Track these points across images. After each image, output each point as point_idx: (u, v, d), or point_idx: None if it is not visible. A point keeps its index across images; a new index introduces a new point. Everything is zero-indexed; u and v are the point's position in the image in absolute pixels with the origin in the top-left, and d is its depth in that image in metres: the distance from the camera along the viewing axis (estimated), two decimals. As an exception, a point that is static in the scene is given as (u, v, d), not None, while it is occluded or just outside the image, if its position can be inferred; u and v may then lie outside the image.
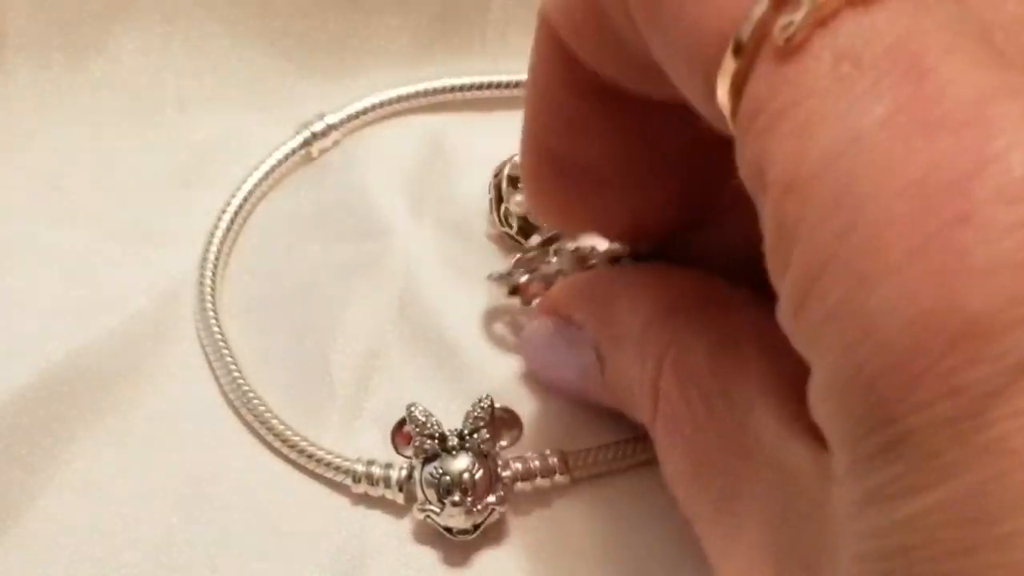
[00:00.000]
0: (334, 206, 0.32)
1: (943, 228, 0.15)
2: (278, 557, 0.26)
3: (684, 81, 0.18)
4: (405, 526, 0.27)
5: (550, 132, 0.24)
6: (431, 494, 0.26)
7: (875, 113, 0.15)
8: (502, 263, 0.31)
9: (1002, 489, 0.14)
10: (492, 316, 0.30)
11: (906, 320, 0.15)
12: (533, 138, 0.24)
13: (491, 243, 0.31)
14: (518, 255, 0.29)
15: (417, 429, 0.26)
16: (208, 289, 0.30)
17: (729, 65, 0.17)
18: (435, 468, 0.26)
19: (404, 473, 0.26)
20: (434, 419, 0.26)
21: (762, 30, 0.17)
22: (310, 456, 0.27)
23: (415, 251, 0.31)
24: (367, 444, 0.28)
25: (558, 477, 0.27)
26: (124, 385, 0.29)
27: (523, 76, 0.33)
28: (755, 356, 0.22)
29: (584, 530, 0.26)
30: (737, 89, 0.17)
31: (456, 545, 0.26)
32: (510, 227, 0.31)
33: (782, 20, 0.16)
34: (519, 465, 0.27)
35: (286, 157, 0.32)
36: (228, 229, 0.31)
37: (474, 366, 0.29)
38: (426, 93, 0.34)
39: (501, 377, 0.29)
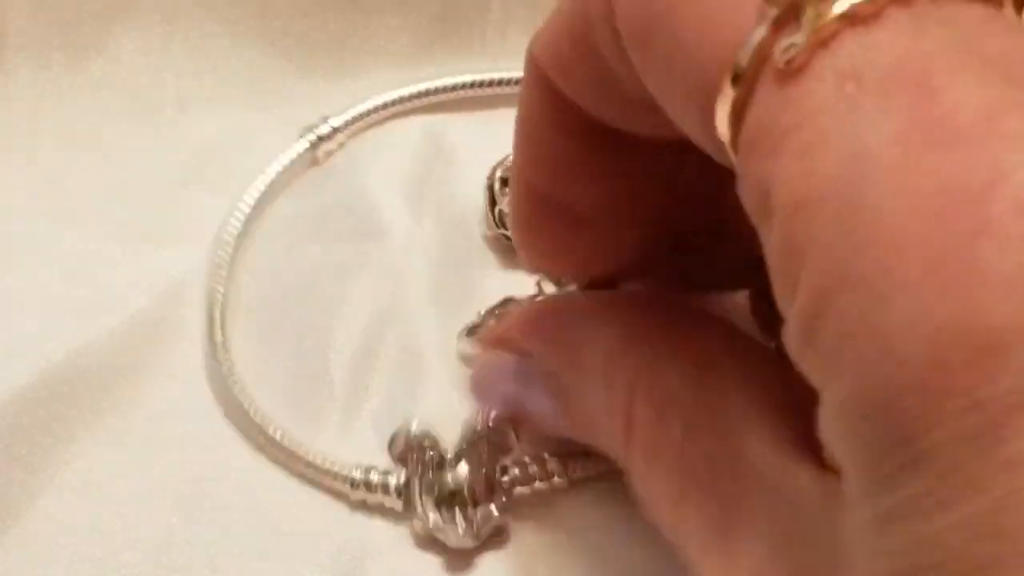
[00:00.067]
0: (335, 207, 0.32)
1: (960, 242, 0.15)
2: (278, 557, 0.26)
3: (680, 112, 0.18)
4: (405, 529, 0.27)
5: (538, 172, 0.24)
6: (432, 513, 0.26)
7: (884, 130, 0.15)
8: (500, 263, 0.31)
9: None
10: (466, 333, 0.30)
11: (926, 335, 0.15)
12: (522, 178, 0.24)
13: (489, 244, 0.31)
14: (483, 310, 0.29)
15: (415, 453, 0.26)
16: (219, 297, 0.30)
17: (728, 92, 0.17)
18: (435, 489, 0.26)
19: (402, 480, 0.26)
20: (431, 438, 0.26)
21: (762, 54, 0.16)
22: (308, 464, 0.27)
23: (414, 251, 0.31)
24: (367, 444, 0.28)
25: (556, 480, 0.27)
26: (124, 385, 0.29)
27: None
28: (734, 381, 0.21)
29: (584, 532, 0.26)
30: (737, 115, 0.17)
31: (457, 549, 0.26)
32: (505, 228, 0.31)
33: (782, 43, 0.16)
34: (517, 470, 0.26)
35: (292, 162, 0.32)
36: (238, 237, 0.31)
37: (471, 366, 0.29)
38: (428, 93, 0.34)
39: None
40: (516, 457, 0.27)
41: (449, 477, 0.26)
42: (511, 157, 0.30)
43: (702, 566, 0.21)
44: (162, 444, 0.28)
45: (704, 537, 0.21)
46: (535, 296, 0.29)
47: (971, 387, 0.14)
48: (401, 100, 0.34)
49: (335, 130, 0.33)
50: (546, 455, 0.27)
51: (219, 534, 0.27)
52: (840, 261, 0.15)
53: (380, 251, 0.31)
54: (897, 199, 0.15)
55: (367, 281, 0.31)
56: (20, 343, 0.29)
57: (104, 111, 0.33)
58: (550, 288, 0.29)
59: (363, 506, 0.27)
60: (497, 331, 0.26)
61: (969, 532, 0.14)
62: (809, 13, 0.16)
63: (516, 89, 0.33)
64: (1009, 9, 0.17)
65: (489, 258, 0.31)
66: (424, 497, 0.26)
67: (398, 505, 0.26)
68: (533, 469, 0.27)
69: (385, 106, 0.33)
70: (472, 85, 0.34)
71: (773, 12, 0.16)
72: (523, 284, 0.30)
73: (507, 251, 0.31)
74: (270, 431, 0.28)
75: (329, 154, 0.33)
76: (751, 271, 0.23)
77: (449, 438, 0.26)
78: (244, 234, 0.31)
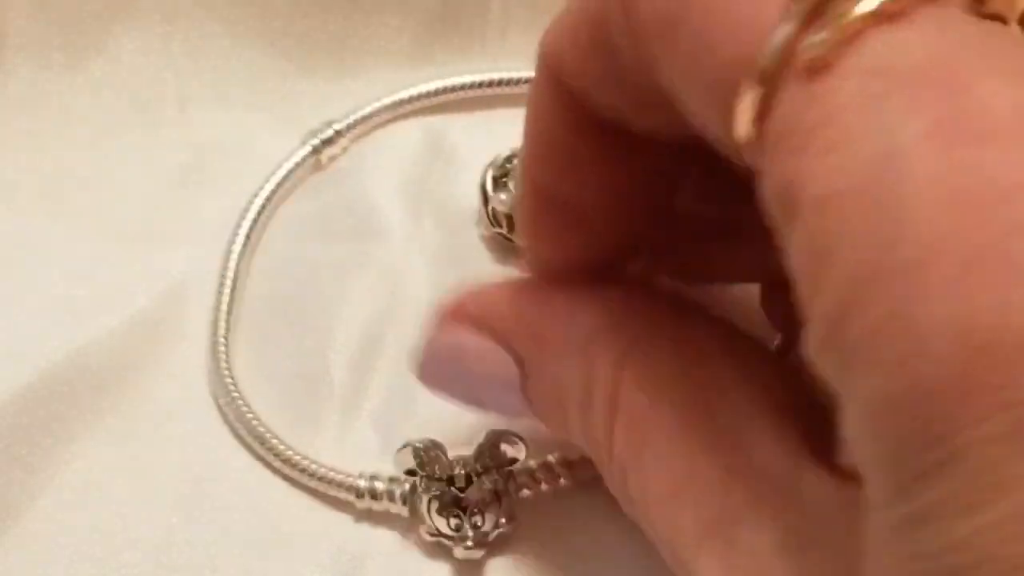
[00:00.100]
0: (335, 208, 0.32)
1: (996, 239, 0.14)
2: (278, 557, 0.26)
3: (699, 108, 0.18)
4: (410, 533, 0.27)
5: (544, 169, 0.23)
6: (440, 523, 0.26)
7: (914, 127, 0.15)
8: (499, 262, 0.31)
9: None
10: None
11: (960, 333, 0.14)
12: (528, 176, 0.24)
13: (487, 244, 0.31)
14: None
15: (424, 470, 0.26)
16: (225, 302, 0.30)
17: (752, 89, 0.17)
18: (445, 506, 0.26)
19: (408, 487, 0.26)
20: (438, 453, 0.26)
21: (787, 52, 0.16)
22: (310, 473, 0.27)
23: (414, 251, 0.31)
24: (367, 445, 0.28)
25: (563, 482, 0.27)
26: (124, 385, 0.29)
27: (525, 73, 0.33)
28: (733, 380, 0.21)
29: (590, 533, 0.26)
30: (761, 113, 0.17)
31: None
32: (500, 227, 0.31)
33: (807, 41, 0.16)
34: (524, 473, 0.26)
35: (296, 166, 0.32)
36: (244, 243, 0.31)
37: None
38: (428, 95, 0.34)
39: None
40: (521, 461, 0.27)
41: (460, 493, 0.26)
42: (502, 156, 0.31)
43: (693, 564, 0.20)
44: (162, 444, 0.28)
45: (698, 535, 0.20)
46: None
47: (1004, 386, 0.14)
48: (402, 102, 0.34)
49: (338, 134, 0.33)
50: (551, 458, 0.27)
51: (219, 534, 0.27)
52: (871, 257, 0.15)
53: (380, 251, 0.31)
54: (930, 195, 0.15)
55: (367, 281, 0.31)
56: (20, 343, 0.29)
57: (104, 111, 0.33)
58: None
59: (368, 513, 0.27)
60: (452, 309, 0.25)
61: (1002, 533, 0.14)
62: (834, 11, 0.16)
63: (516, 89, 0.33)
64: (1014, 26, 0.17)
65: (488, 258, 0.31)
66: (431, 506, 0.26)
67: (404, 512, 0.26)
68: (539, 472, 0.27)
69: (386, 108, 0.33)
70: (472, 86, 0.34)
71: (798, 10, 0.16)
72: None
73: (505, 250, 0.31)
74: (271, 441, 0.28)
75: (333, 158, 0.33)
76: (758, 267, 0.23)
77: (449, 438, 0.26)
78: (246, 236, 0.31)
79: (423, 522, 0.26)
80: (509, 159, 0.31)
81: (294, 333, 0.30)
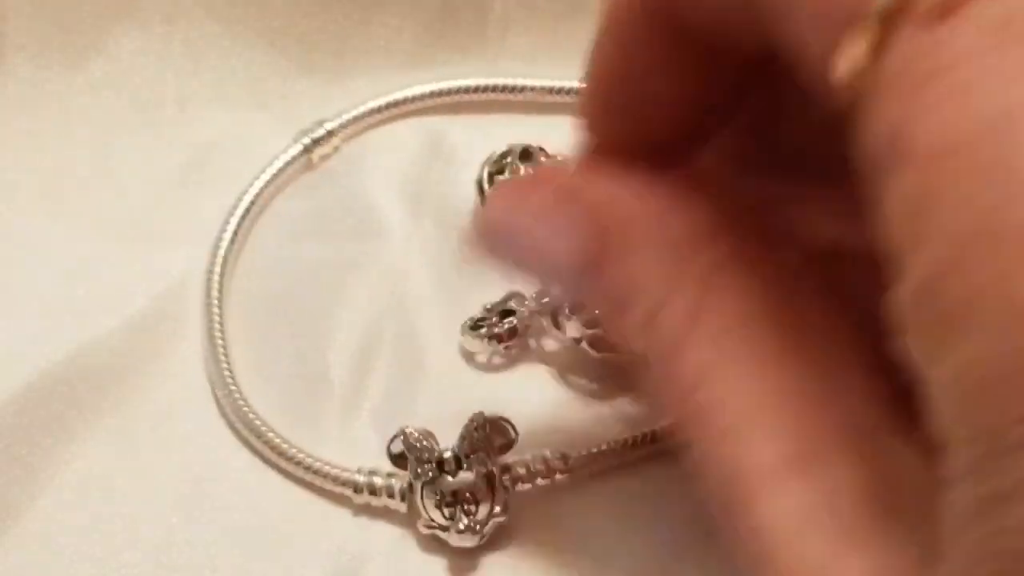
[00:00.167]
0: (333, 208, 0.32)
1: None
2: (278, 557, 0.26)
3: (802, 36, 0.17)
4: (406, 529, 0.27)
5: (615, 65, 0.22)
6: (435, 514, 0.26)
7: None
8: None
9: None
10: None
11: None
12: (596, 76, 0.22)
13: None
14: (488, 304, 0.29)
15: (414, 454, 0.26)
16: (215, 297, 0.30)
17: (867, 27, 0.16)
18: (437, 491, 0.26)
19: (406, 483, 0.26)
20: (430, 441, 0.26)
21: None
22: (307, 468, 0.27)
23: (413, 251, 0.31)
24: (367, 444, 0.28)
25: (559, 477, 0.27)
26: (124, 385, 0.29)
27: (523, 80, 0.33)
28: (824, 317, 0.20)
29: (587, 529, 0.27)
30: (873, 54, 0.16)
31: (460, 549, 0.26)
32: (498, 225, 0.31)
33: None
34: (520, 467, 0.27)
35: (287, 165, 0.32)
36: (232, 240, 0.31)
37: (470, 364, 0.29)
38: (423, 96, 0.34)
39: (499, 376, 0.29)
40: (518, 454, 0.27)
41: (450, 477, 0.26)
42: (498, 152, 0.31)
43: (757, 499, 0.19)
44: (162, 444, 0.28)
45: (774, 468, 0.19)
46: (541, 292, 0.29)
47: None
48: (395, 103, 0.34)
49: (329, 133, 0.33)
50: (548, 452, 0.27)
51: (219, 534, 0.27)
52: (983, 214, 0.14)
53: (379, 251, 0.31)
54: None
55: (366, 281, 0.31)
56: (20, 343, 0.29)
57: (104, 111, 0.33)
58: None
59: (366, 509, 0.27)
60: (539, 172, 0.23)
61: None
62: None
63: (513, 96, 0.33)
64: None
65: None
66: (426, 498, 0.26)
67: (402, 508, 0.26)
68: (535, 466, 0.27)
69: (380, 109, 0.34)
70: (469, 90, 0.34)
71: None
72: (521, 282, 0.30)
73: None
74: (270, 437, 0.28)
75: (324, 158, 0.33)
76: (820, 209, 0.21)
77: (450, 438, 0.26)
78: (241, 235, 0.31)
79: (420, 516, 0.26)
80: (505, 155, 0.31)
81: (294, 333, 0.30)
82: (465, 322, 0.29)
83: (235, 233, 0.31)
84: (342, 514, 0.27)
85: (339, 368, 0.29)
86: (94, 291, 0.30)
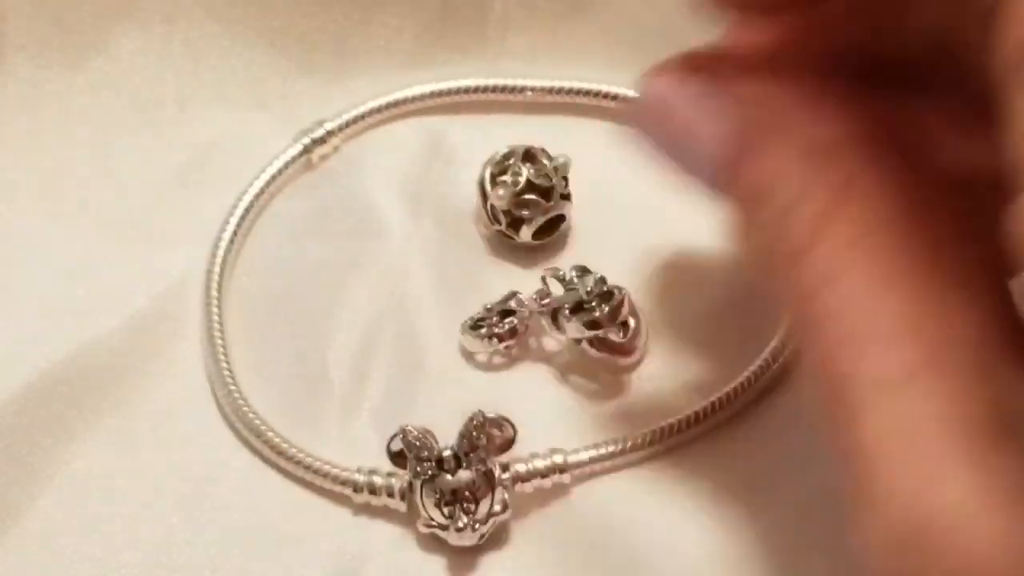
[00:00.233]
0: (333, 208, 0.32)
1: None
2: (278, 557, 0.26)
3: None
4: (406, 529, 0.27)
5: None
6: (435, 513, 0.26)
7: None
8: (499, 261, 0.31)
9: None
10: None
11: None
12: None
13: (487, 243, 0.31)
14: (488, 304, 0.29)
15: (413, 453, 0.26)
16: (215, 297, 0.30)
17: None
18: (436, 490, 0.26)
19: (406, 482, 0.26)
20: (429, 439, 0.26)
21: None
22: (307, 467, 0.27)
23: (413, 250, 0.31)
24: (366, 444, 0.28)
25: (558, 477, 0.27)
26: (124, 385, 0.29)
27: (523, 80, 0.33)
28: (959, 238, 0.19)
29: (586, 529, 0.27)
30: None
31: (459, 548, 0.26)
32: (500, 224, 0.31)
33: None
34: (520, 467, 0.27)
35: (286, 165, 0.32)
36: (231, 240, 0.31)
37: (470, 364, 0.29)
38: (424, 97, 0.34)
39: (499, 375, 0.29)
40: (517, 453, 0.27)
41: (449, 475, 0.26)
42: (500, 152, 0.31)
43: (863, 408, 0.18)
44: (162, 444, 0.28)
45: (881, 379, 0.18)
46: (541, 292, 0.29)
47: None
48: (395, 103, 0.34)
49: (329, 133, 0.33)
50: (547, 451, 0.27)
51: (219, 534, 0.27)
52: None
53: (379, 250, 0.31)
54: None
55: (366, 280, 0.31)
56: (20, 343, 0.29)
57: (104, 111, 0.33)
58: (556, 285, 0.29)
59: (366, 508, 0.27)
60: (697, 53, 0.22)
61: None
62: None
63: (514, 96, 0.33)
64: None
65: (488, 256, 0.31)
66: (425, 497, 0.26)
67: (402, 507, 0.27)
68: (535, 465, 0.27)
69: (380, 109, 0.34)
70: (469, 90, 0.34)
71: None
72: (522, 282, 0.30)
73: (505, 248, 0.31)
74: (270, 437, 0.28)
75: (324, 158, 0.33)
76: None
77: (449, 437, 0.26)
78: (241, 235, 0.31)
79: (419, 515, 0.26)
80: (507, 156, 0.31)
81: (294, 333, 0.30)
82: (465, 322, 0.29)
83: (235, 233, 0.31)
84: (342, 514, 0.27)
85: (339, 368, 0.29)
86: (94, 291, 0.30)
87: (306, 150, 0.33)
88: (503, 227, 0.31)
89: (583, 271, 0.29)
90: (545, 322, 0.29)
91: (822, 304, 0.19)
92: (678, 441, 0.28)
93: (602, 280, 0.29)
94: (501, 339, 0.29)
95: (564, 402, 0.29)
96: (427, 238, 0.32)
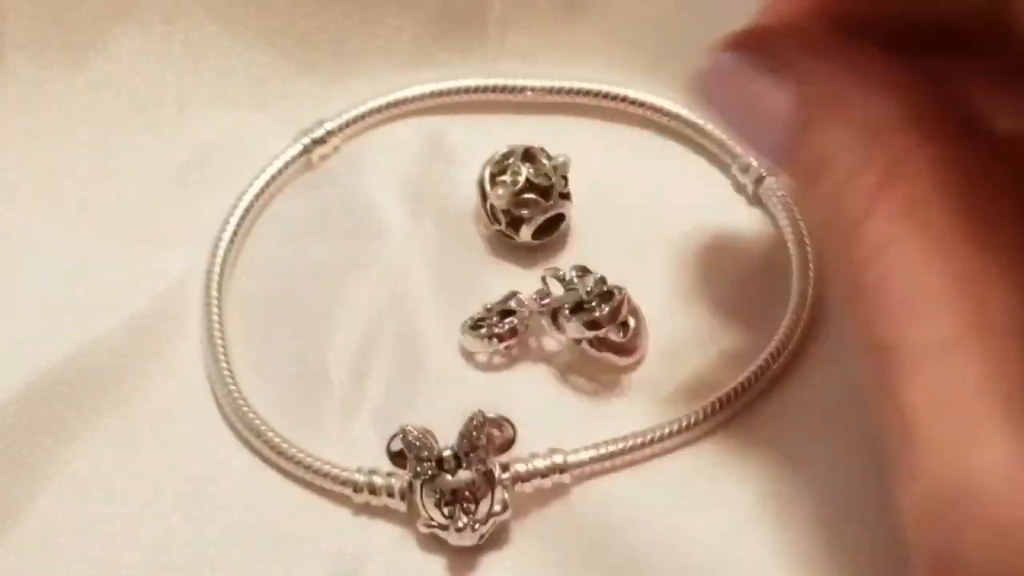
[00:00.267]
0: (333, 208, 0.32)
1: None
2: (278, 557, 0.26)
3: None
4: (406, 529, 0.27)
5: None
6: (435, 513, 0.26)
7: None
8: (499, 261, 0.31)
9: None
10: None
11: None
12: None
13: (487, 242, 0.31)
14: (488, 304, 0.29)
15: (413, 453, 0.26)
16: (215, 298, 0.30)
17: None
18: (436, 490, 0.26)
19: (406, 482, 0.26)
20: (429, 439, 0.26)
21: None
22: (307, 468, 0.27)
23: (413, 250, 0.31)
24: (366, 444, 0.28)
25: (558, 477, 0.27)
26: (124, 385, 0.29)
27: (523, 80, 0.33)
28: (1010, 216, 0.20)
29: (586, 529, 0.27)
30: None
31: (459, 548, 0.26)
32: (500, 223, 0.31)
33: None
34: (520, 467, 0.27)
35: (286, 165, 0.32)
36: (231, 240, 0.31)
37: (470, 363, 0.29)
38: (424, 97, 0.34)
39: (499, 375, 0.29)
40: (517, 453, 0.27)
41: (449, 475, 0.26)
42: (500, 152, 0.31)
43: (907, 373, 0.19)
44: (162, 444, 0.28)
45: (926, 345, 0.19)
46: (541, 292, 0.29)
47: None
48: (395, 103, 0.34)
49: (329, 133, 0.33)
50: (547, 451, 0.27)
51: (219, 534, 0.27)
52: None
53: (379, 250, 0.31)
54: None
55: (366, 280, 0.31)
56: (20, 343, 0.29)
57: (104, 111, 0.33)
58: (556, 285, 0.29)
59: (366, 508, 0.27)
60: (759, 26, 0.23)
61: None
62: None
63: (514, 96, 0.33)
64: None
65: (488, 256, 0.31)
66: (425, 497, 0.26)
67: (402, 507, 0.27)
68: (535, 465, 0.27)
69: (380, 109, 0.34)
70: (469, 90, 0.34)
71: None
72: (522, 282, 0.30)
73: (504, 247, 0.31)
74: (270, 437, 0.28)
75: (324, 158, 0.33)
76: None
77: (449, 437, 0.26)
78: (241, 235, 0.31)
79: (419, 515, 0.26)
80: (507, 156, 0.31)
81: (294, 333, 0.30)
82: (465, 322, 0.29)
83: (235, 233, 0.31)
84: (342, 514, 0.27)
85: (339, 368, 0.29)
86: (94, 291, 0.30)
87: (306, 150, 0.33)
88: (503, 227, 0.31)
89: (583, 271, 0.29)
90: (545, 322, 0.29)
91: (872, 273, 0.20)
92: (678, 441, 0.28)
93: (602, 280, 0.29)
94: (501, 339, 0.29)
95: (564, 402, 0.29)
96: (427, 238, 0.32)
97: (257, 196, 0.32)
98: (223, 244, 0.31)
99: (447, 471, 0.26)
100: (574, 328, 0.28)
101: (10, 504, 0.27)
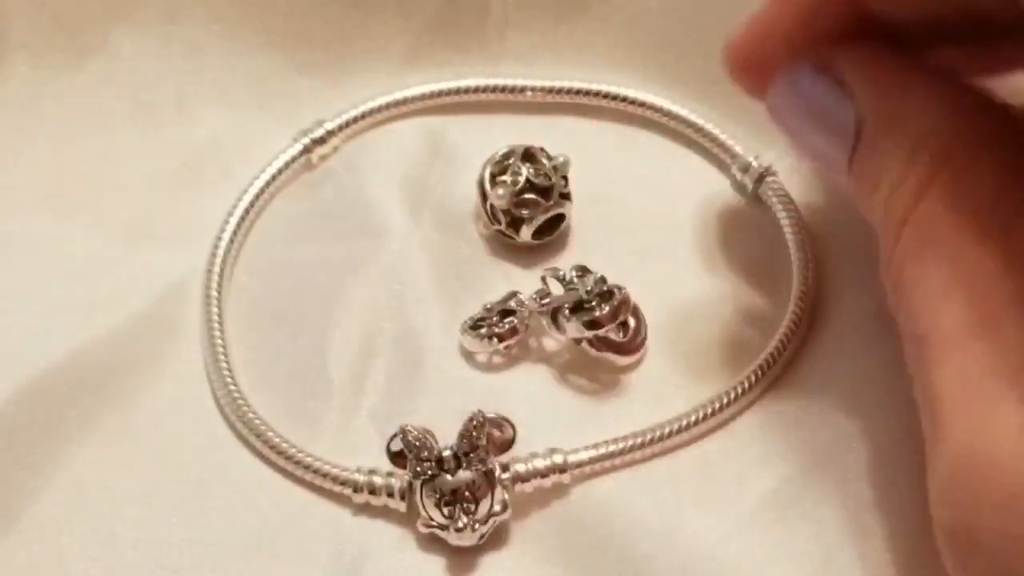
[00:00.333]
0: (333, 208, 0.32)
1: None
2: (278, 557, 0.26)
3: None
4: (406, 529, 0.27)
5: None
6: (435, 513, 0.26)
7: None
8: (498, 261, 0.31)
9: None
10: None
11: None
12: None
13: (486, 242, 0.31)
14: (488, 304, 0.29)
15: (413, 453, 0.26)
16: (214, 298, 0.30)
17: None
18: (436, 490, 0.26)
19: (406, 482, 0.26)
20: (429, 439, 0.26)
21: None
22: (307, 467, 0.27)
23: (413, 250, 0.31)
24: (366, 443, 0.28)
25: (558, 477, 0.27)
26: (124, 385, 0.29)
27: (523, 80, 0.33)
28: None
29: (586, 529, 0.27)
30: None
31: (459, 548, 0.26)
32: (499, 223, 0.31)
33: None
34: (519, 467, 0.27)
35: (286, 165, 0.32)
36: (231, 240, 0.31)
37: (470, 363, 0.29)
38: (424, 97, 0.34)
39: (499, 375, 0.29)
40: (517, 453, 0.27)
41: (449, 475, 0.26)
42: (500, 152, 0.31)
43: (935, 358, 0.21)
44: (162, 444, 0.28)
45: (950, 334, 0.21)
46: (541, 292, 0.29)
47: None
48: (395, 103, 0.34)
49: (329, 133, 0.33)
50: (547, 451, 0.27)
51: (219, 534, 0.27)
52: None
53: (378, 250, 0.31)
54: None
55: (366, 280, 0.31)
56: (20, 343, 0.29)
57: (104, 111, 0.33)
58: (556, 285, 0.29)
59: (366, 508, 0.27)
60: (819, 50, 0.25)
61: None
62: None
63: (514, 96, 0.33)
64: None
65: (488, 256, 0.31)
66: (425, 497, 0.26)
67: (401, 507, 0.27)
68: (534, 465, 0.27)
69: (380, 109, 0.34)
70: (468, 90, 0.34)
71: None
72: (521, 281, 0.30)
73: (504, 248, 0.31)
74: (270, 437, 0.28)
75: (324, 158, 0.33)
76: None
77: (449, 437, 0.26)
78: (241, 235, 0.31)
79: (419, 515, 0.26)
80: (507, 156, 0.31)
81: (294, 333, 0.30)
82: (465, 322, 0.29)
83: (235, 233, 0.31)
84: (342, 514, 0.27)
85: (339, 368, 0.29)
86: (94, 291, 0.30)
87: (306, 150, 0.33)
88: (503, 227, 0.31)
89: (583, 271, 0.29)
90: (545, 322, 0.29)
91: (909, 273, 0.22)
92: (678, 441, 0.28)
93: (602, 280, 0.29)
94: (501, 339, 0.29)
95: (564, 402, 0.29)
96: (427, 238, 0.32)
97: (257, 196, 0.32)
98: (223, 244, 0.31)
99: (447, 471, 0.26)
100: (574, 328, 0.28)
101: (10, 504, 0.27)
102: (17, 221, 0.32)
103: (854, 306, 0.29)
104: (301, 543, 0.27)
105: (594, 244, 0.31)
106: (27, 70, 0.33)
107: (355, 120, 0.33)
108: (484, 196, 0.31)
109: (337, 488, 0.27)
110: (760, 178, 0.31)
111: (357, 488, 0.27)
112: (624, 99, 0.33)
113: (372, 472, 0.27)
